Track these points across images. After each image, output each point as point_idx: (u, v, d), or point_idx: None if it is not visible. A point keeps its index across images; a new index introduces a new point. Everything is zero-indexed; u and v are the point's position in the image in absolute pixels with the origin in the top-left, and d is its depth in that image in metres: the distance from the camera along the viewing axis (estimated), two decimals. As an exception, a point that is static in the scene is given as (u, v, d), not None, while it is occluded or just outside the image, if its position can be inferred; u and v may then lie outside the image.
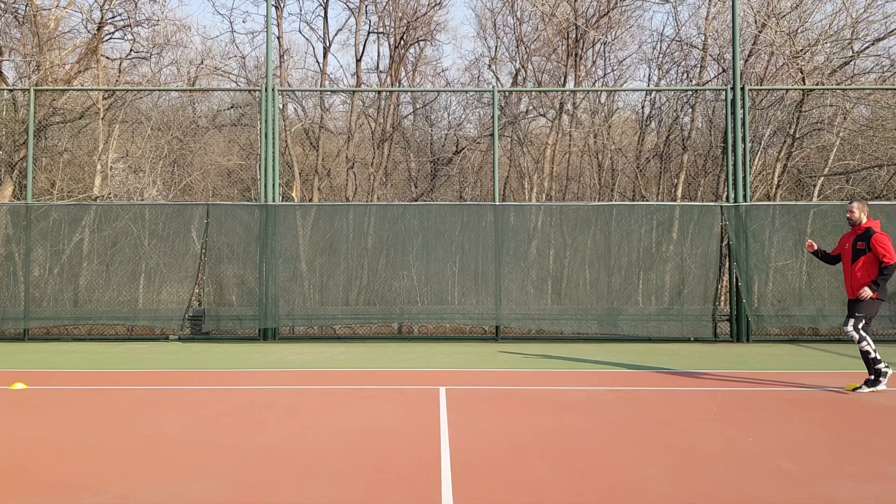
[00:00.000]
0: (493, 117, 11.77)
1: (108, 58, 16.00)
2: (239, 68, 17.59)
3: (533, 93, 16.17)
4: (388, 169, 16.61)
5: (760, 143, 14.75)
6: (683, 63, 16.67)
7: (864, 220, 6.58)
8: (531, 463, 4.20)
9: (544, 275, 11.58)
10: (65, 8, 15.55)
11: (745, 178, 11.37)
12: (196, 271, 11.36)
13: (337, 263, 11.52)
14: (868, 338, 6.39)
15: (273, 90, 11.61)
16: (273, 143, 11.55)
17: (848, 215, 6.68)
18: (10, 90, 14.19)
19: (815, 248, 6.94)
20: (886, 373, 6.49)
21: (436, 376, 7.59)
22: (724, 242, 11.20)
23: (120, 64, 15.84)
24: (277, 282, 11.19)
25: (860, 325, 6.39)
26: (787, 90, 14.24)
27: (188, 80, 16.25)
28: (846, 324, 6.45)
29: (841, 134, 14.52)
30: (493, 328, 11.50)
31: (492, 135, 12.05)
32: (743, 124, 11.49)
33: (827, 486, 3.79)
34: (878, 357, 6.46)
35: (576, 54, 16.39)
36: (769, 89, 14.31)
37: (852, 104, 14.76)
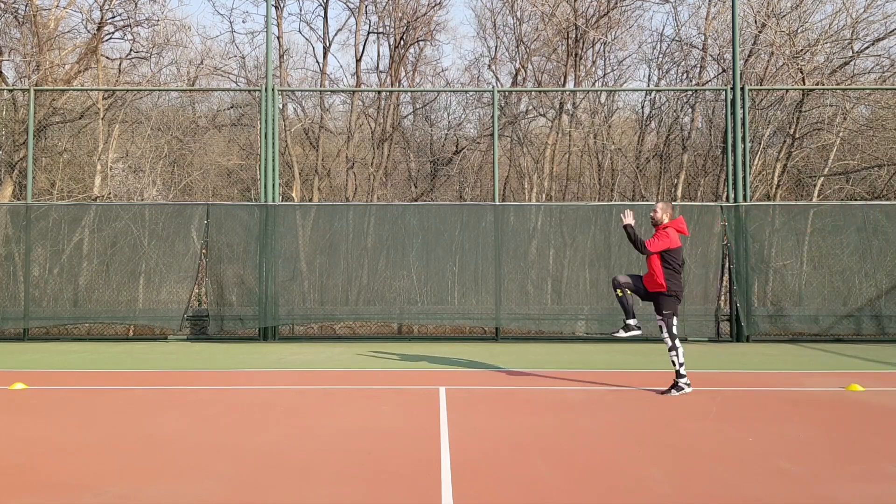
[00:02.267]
0: (493, 117, 11.77)
1: (108, 58, 16.00)
2: (239, 68, 17.60)
3: (533, 93, 16.17)
4: (388, 169, 16.61)
5: (760, 143, 14.75)
6: (683, 63, 16.68)
7: (666, 220, 6.56)
8: (531, 463, 4.20)
9: (544, 275, 11.58)
10: (65, 8, 15.55)
11: (744, 178, 11.37)
12: (196, 271, 11.36)
13: (337, 263, 11.51)
14: (680, 349, 6.39)
15: (273, 90, 11.60)
16: (273, 143, 11.55)
17: (651, 214, 6.65)
18: (10, 90, 14.18)
19: (631, 222, 6.59)
20: (683, 388, 6.44)
21: (436, 376, 7.59)
22: (724, 242, 11.20)
23: (120, 64, 15.84)
24: (277, 282, 11.19)
25: (672, 329, 6.40)
26: (787, 90, 14.25)
27: (188, 80, 16.24)
28: (661, 331, 6.46)
29: (841, 134, 14.52)
30: (492, 328, 11.50)
31: (492, 135, 12.05)
32: (743, 124, 11.49)
33: (827, 486, 3.79)
34: (684, 371, 6.44)
35: (576, 54, 16.39)
36: (769, 89, 14.31)
37: (852, 104, 14.77)
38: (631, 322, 6.66)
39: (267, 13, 12.15)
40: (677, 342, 6.41)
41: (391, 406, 5.92)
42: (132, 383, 7.18)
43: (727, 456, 4.36)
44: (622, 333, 6.70)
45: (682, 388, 6.44)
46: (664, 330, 6.45)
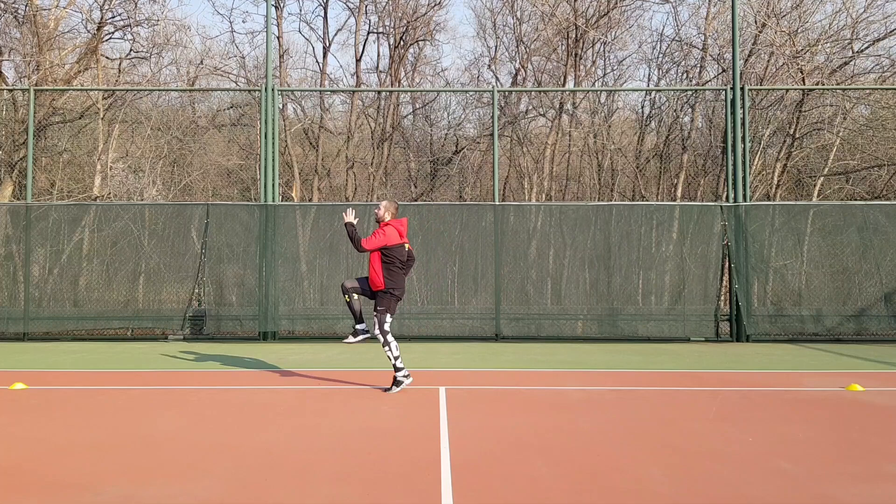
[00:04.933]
0: (492, 117, 11.77)
1: (108, 58, 16.00)
2: (238, 68, 17.61)
3: (533, 93, 16.17)
4: (387, 169, 16.61)
5: (760, 143, 14.76)
6: (683, 63, 16.69)
7: (387, 218, 6.61)
8: (531, 462, 4.20)
9: (544, 275, 11.58)
10: (65, 8, 15.55)
11: (744, 178, 11.37)
12: (196, 271, 11.36)
13: (337, 263, 11.51)
14: (393, 343, 6.45)
15: (273, 90, 11.60)
16: (273, 143, 11.55)
17: (375, 211, 6.75)
18: (10, 90, 14.18)
19: (351, 221, 6.58)
20: (402, 382, 6.54)
21: (436, 376, 7.59)
22: (724, 242, 11.21)
23: (120, 64, 15.84)
24: (277, 282, 11.19)
25: (385, 325, 6.45)
26: (787, 90, 14.25)
27: (188, 80, 16.24)
28: (373, 327, 6.53)
29: (841, 134, 14.53)
30: (492, 328, 11.50)
31: (491, 135, 12.05)
32: (743, 124, 11.49)
33: (827, 486, 3.79)
34: (401, 365, 6.52)
35: (576, 54, 16.40)
36: (769, 89, 14.32)
37: (852, 104, 14.77)
38: (359, 327, 6.71)
39: (267, 13, 12.16)
40: (389, 338, 6.45)
41: (391, 406, 5.92)
42: (132, 383, 7.18)
43: (727, 456, 4.36)
44: (351, 339, 6.75)
45: (402, 382, 6.55)
46: (376, 326, 6.49)
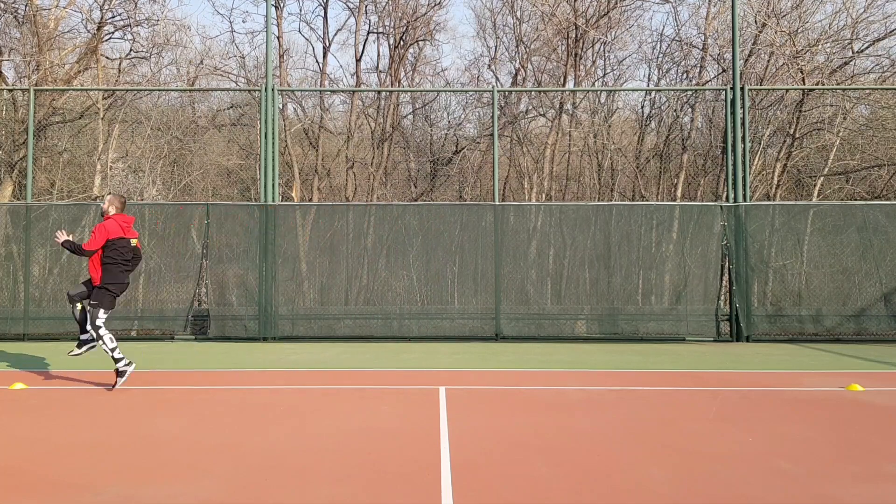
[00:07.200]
0: (492, 117, 11.77)
1: (107, 58, 16.00)
2: (238, 68, 17.61)
3: (533, 93, 16.17)
4: (387, 169, 16.61)
5: (760, 143, 14.76)
6: (683, 63, 16.69)
7: (112, 212, 6.70)
8: (531, 463, 4.20)
9: (544, 275, 11.58)
10: (65, 8, 15.54)
11: (744, 178, 11.37)
12: (197, 271, 11.36)
13: (337, 263, 11.51)
14: (106, 336, 6.51)
15: (273, 90, 11.60)
16: (273, 143, 11.55)
17: (101, 205, 6.86)
18: (11, 90, 14.18)
19: (62, 238, 6.68)
20: (125, 371, 6.60)
21: (436, 376, 7.58)
22: (724, 242, 11.21)
23: (120, 64, 15.84)
24: (277, 282, 11.19)
25: (97, 320, 6.51)
26: (787, 90, 14.25)
27: (188, 80, 16.24)
28: (91, 323, 6.57)
29: (841, 134, 14.53)
30: (492, 328, 11.50)
31: (491, 135, 12.05)
32: (743, 124, 11.49)
33: (827, 486, 3.79)
34: (119, 356, 6.58)
35: (576, 54, 16.40)
36: (769, 89, 14.32)
37: (852, 104, 14.77)
38: (83, 337, 6.74)
39: (267, 13, 12.16)
40: (102, 332, 6.53)
41: (391, 406, 5.92)
42: (132, 383, 7.17)
43: (727, 456, 4.36)
44: (76, 351, 6.78)
45: (125, 371, 6.61)
46: (90, 319, 6.56)
